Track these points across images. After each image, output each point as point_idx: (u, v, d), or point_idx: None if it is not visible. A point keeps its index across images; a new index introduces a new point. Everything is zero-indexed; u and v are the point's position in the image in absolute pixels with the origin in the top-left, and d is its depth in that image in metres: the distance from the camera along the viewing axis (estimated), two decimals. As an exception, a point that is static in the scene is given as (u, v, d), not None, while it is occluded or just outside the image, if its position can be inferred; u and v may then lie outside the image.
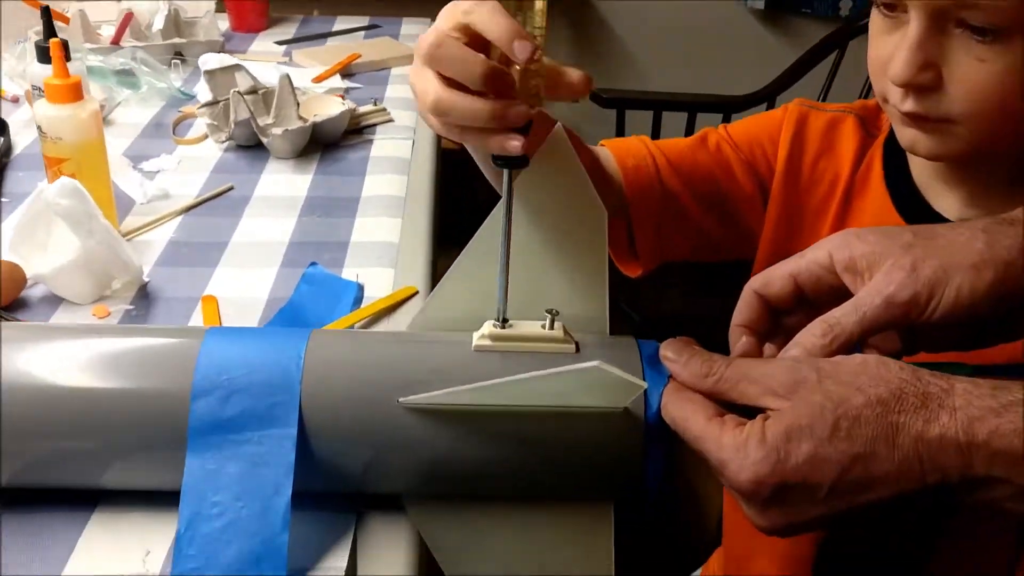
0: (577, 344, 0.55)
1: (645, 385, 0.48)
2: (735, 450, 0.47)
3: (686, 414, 0.50)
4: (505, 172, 0.53)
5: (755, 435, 0.47)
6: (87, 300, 0.74)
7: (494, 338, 0.54)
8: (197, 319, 0.74)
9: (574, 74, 0.54)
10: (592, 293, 0.59)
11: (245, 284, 0.78)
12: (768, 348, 0.56)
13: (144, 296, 0.76)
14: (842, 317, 0.52)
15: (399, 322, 0.74)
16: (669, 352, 0.53)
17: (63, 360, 0.53)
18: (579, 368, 0.49)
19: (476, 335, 0.54)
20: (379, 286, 0.79)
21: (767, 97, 1.74)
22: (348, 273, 0.80)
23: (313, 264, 0.81)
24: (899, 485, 0.46)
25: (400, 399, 0.52)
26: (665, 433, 0.52)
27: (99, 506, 0.54)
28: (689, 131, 1.60)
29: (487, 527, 0.54)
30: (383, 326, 0.73)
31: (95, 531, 0.53)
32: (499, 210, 0.54)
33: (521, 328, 0.54)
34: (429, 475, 0.53)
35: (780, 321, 0.57)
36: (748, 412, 0.50)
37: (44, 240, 0.73)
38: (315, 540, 0.53)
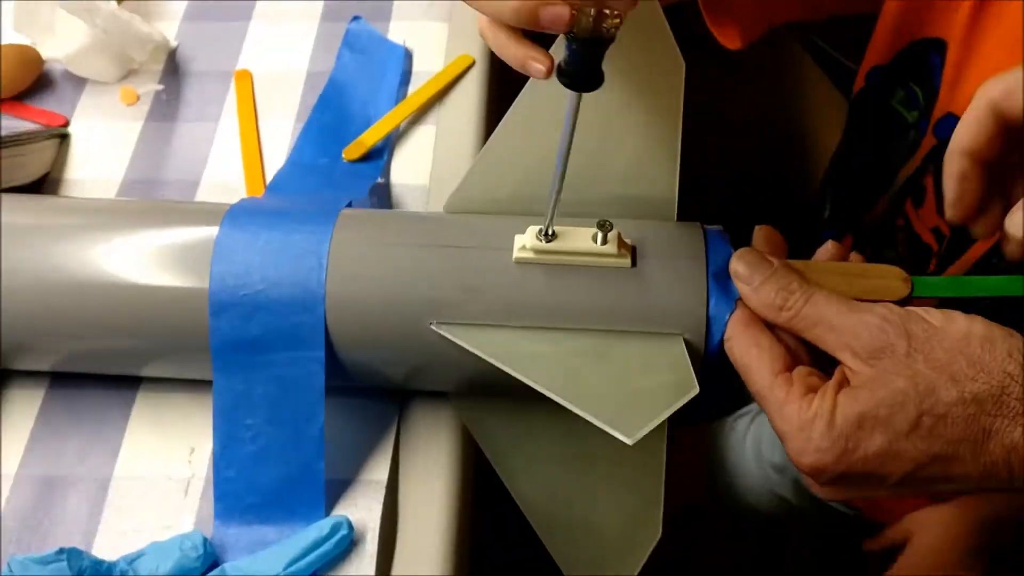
0: (634, 255, 0.47)
1: (695, 391, 0.42)
2: (799, 428, 0.42)
3: (750, 361, 0.45)
4: (570, 96, 0.42)
5: (824, 416, 0.41)
6: (113, 79, 0.67)
7: (537, 251, 0.47)
8: (231, 102, 0.66)
9: None
10: (662, 167, 0.50)
11: (282, 48, 0.69)
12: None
13: (174, 71, 0.68)
14: None
15: (457, 104, 0.65)
16: (740, 269, 0.46)
17: (71, 256, 0.49)
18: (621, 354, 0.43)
19: (516, 245, 0.47)
20: (430, 47, 0.68)
21: None
22: (395, 29, 0.70)
23: (356, 18, 0.70)
24: (980, 484, 0.41)
25: (432, 324, 0.47)
26: (728, 367, 0.47)
27: (142, 389, 0.54)
28: None
29: (538, 426, 0.51)
30: (436, 113, 0.65)
31: (140, 422, 0.53)
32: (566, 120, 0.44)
33: (569, 240, 0.47)
34: (472, 383, 0.50)
35: (1010, 163, 0.44)
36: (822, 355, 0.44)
37: (50, 21, 0.64)
38: (357, 440, 0.52)
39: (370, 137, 0.62)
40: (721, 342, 0.46)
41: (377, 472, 0.50)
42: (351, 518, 0.49)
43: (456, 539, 0.49)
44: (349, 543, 0.48)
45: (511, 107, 0.50)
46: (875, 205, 0.71)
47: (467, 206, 0.50)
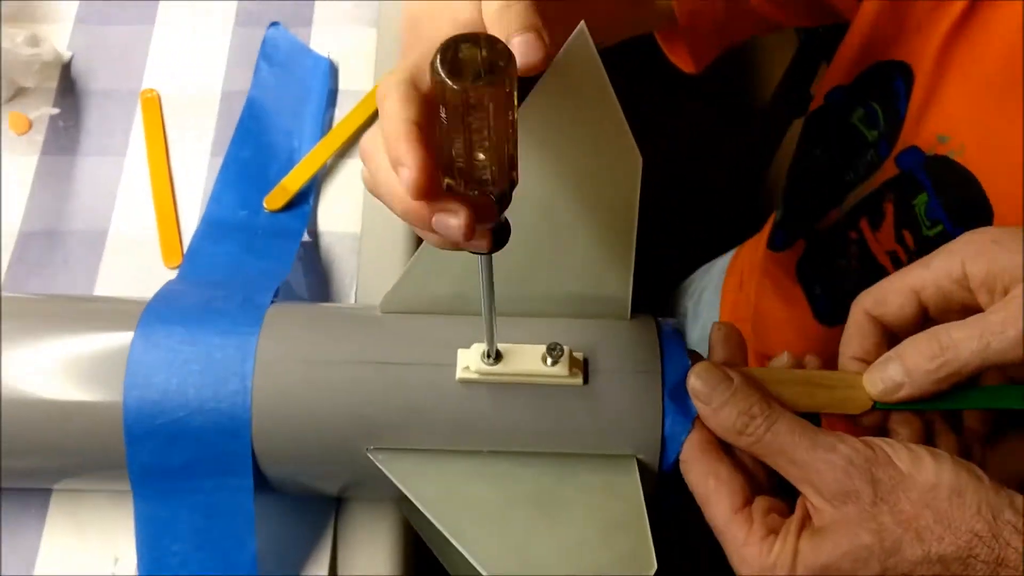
0: (586, 370, 0.44)
1: (652, 569, 0.39)
2: (758, 573, 0.40)
3: (707, 493, 0.42)
4: (481, 258, 0.37)
5: (785, 564, 0.40)
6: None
7: (482, 373, 0.43)
8: (138, 129, 0.60)
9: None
10: (616, 264, 0.46)
11: (192, 63, 0.62)
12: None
13: (70, 89, 0.61)
14: (960, 341, 0.41)
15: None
16: (699, 387, 0.43)
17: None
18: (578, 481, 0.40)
19: (460, 363, 0.44)
20: (357, 58, 0.62)
21: None
22: (317, 35, 0.63)
23: (274, 24, 0.63)
24: None
25: (368, 450, 0.44)
26: (682, 486, 0.45)
27: (56, 490, 0.50)
28: None
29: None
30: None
31: (57, 526, 0.49)
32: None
33: (515, 361, 0.43)
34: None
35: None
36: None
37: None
38: (293, 538, 0.49)
39: (293, 182, 0.57)
40: (677, 460, 0.44)
41: (316, 570, 0.48)
42: (290, 635, 0.47)
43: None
44: (289, 669, 0.46)
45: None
46: (827, 215, 0.69)
47: (405, 306, 0.46)
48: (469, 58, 0.31)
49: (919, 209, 0.59)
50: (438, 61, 0.31)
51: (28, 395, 0.44)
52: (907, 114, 0.58)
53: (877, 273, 0.63)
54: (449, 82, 0.30)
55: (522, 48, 0.35)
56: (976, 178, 0.54)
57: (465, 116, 0.31)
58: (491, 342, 0.42)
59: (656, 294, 1.02)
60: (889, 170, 0.61)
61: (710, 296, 0.94)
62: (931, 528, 0.38)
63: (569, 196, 0.44)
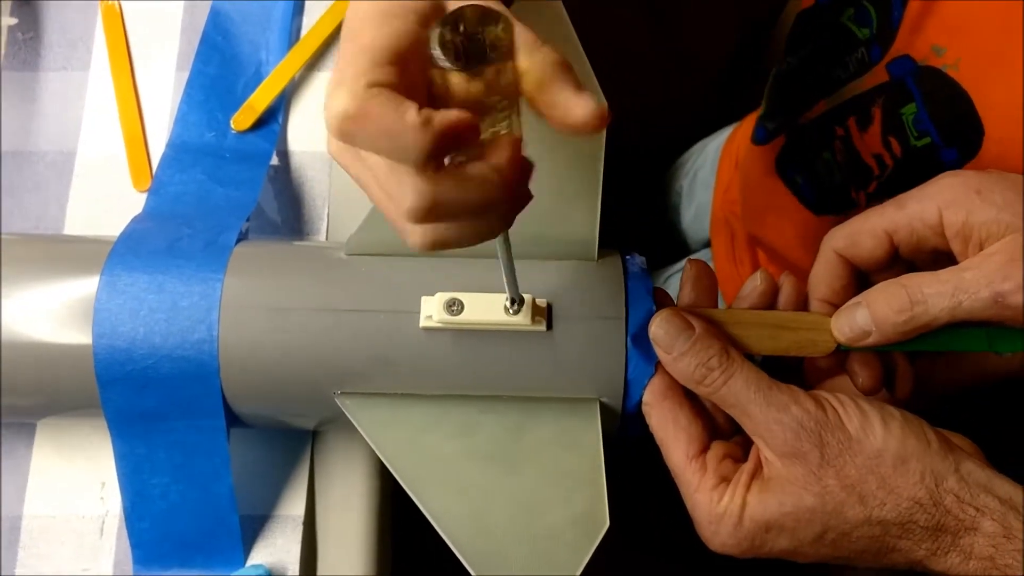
0: (549, 316, 0.44)
1: (605, 526, 0.40)
2: (707, 520, 0.42)
3: (666, 438, 0.44)
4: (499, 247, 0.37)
5: (732, 516, 0.41)
6: (-45, 11, 0.58)
7: (445, 323, 0.43)
8: (100, 40, 0.58)
9: (580, 108, 0.34)
10: (583, 206, 0.45)
11: (153, -35, 0.59)
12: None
13: (28, 1, 0.58)
14: (931, 296, 0.41)
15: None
16: (660, 336, 0.43)
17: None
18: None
19: (423, 312, 0.44)
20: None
21: None
22: (285, -66, 0.60)
23: (236, -78, 0.59)
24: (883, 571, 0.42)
25: (336, 394, 0.45)
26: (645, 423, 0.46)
27: (39, 426, 0.51)
28: None
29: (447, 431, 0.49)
30: (336, 56, 0.57)
31: (44, 453, 0.51)
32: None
33: (478, 311, 0.43)
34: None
35: (868, 284, 0.46)
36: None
37: None
38: (270, 472, 0.51)
39: (261, 100, 0.55)
40: (640, 402, 0.45)
41: (293, 506, 0.50)
42: (270, 560, 0.49)
43: (378, 574, 0.50)
44: (270, 592, 0.48)
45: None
46: (812, 108, 0.67)
47: (370, 248, 0.46)
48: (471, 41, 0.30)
49: (907, 119, 0.57)
50: (439, 52, 0.29)
51: (4, 338, 0.45)
52: (903, 21, 0.56)
53: (862, 170, 0.62)
54: (463, 79, 0.29)
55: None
56: (969, 95, 0.52)
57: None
58: (514, 289, 0.42)
59: (650, 173, 1.00)
60: (880, 75, 0.59)
61: (705, 175, 0.93)
62: (874, 493, 0.39)
63: (535, 140, 0.43)
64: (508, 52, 0.31)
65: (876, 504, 0.39)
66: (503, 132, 0.33)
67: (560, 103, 0.34)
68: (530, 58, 0.34)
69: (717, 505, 0.41)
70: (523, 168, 0.35)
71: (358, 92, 0.31)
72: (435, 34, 0.31)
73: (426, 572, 0.58)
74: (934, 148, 0.55)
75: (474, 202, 0.33)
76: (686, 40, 1.02)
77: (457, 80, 0.31)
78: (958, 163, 0.54)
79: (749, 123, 0.85)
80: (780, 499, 0.40)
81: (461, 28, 0.30)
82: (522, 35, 0.34)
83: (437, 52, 0.30)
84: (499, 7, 0.32)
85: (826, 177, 0.67)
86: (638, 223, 0.97)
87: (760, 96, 0.85)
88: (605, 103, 0.43)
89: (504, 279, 0.41)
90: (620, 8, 0.95)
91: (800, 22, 0.67)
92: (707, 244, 0.90)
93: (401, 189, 0.33)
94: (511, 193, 0.34)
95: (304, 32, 0.58)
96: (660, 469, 0.45)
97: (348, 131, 0.31)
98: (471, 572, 0.39)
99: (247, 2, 0.58)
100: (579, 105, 0.33)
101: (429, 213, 0.33)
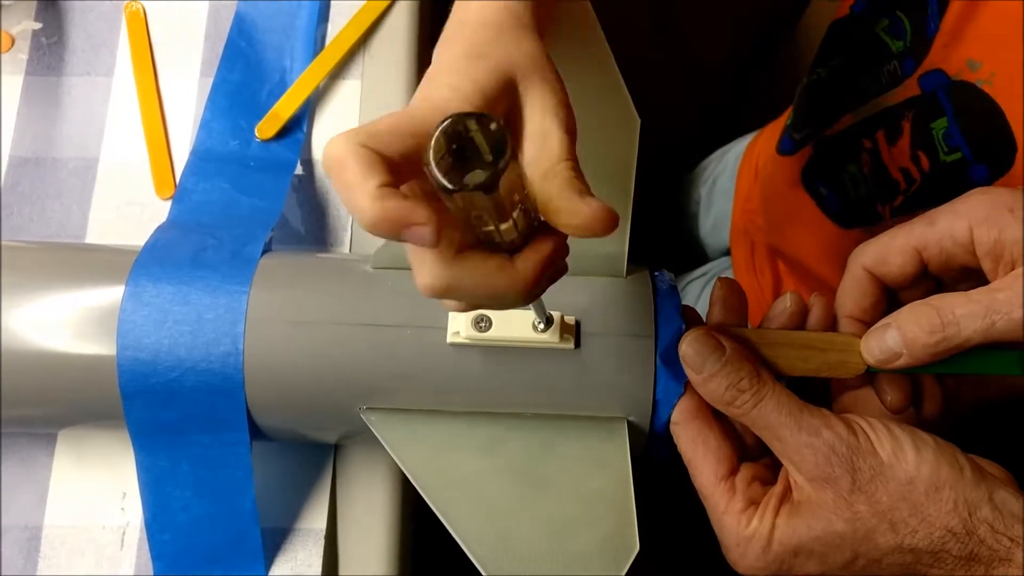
0: (577, 333, 0.44)
1: (634, 551, 0.40)
2: (736, 543, 0.42)
3: (695, 459, 0.43)
4: None
5: (761, 539, 0.41)
6: (-21, 15, 0.57)
7: (473, 339, 0.43)
8: (124, 47, 0.57)
9: (586, 210, 0.33)
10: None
11: (177, -29, 0.59)
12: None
13: (51, 3, 0.58)
14: (964, 318, 0.41)
15: (384, 50, 0.57)
16: (690, 355, 0.43)
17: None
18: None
19: (450, 328, 0.43)
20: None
21: None
22: (310, -59, 0.59)
23: (261, -72, 0.59)
24: None
25: (361, 409, 0.44)
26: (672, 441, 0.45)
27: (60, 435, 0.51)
28: None
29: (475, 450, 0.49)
30: (360, 64, 0.57)
31: (65, 462, 0.51)
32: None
33: (506, 328, 0.43)
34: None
35: (896, 300, 0.45)
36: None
37: None
38: (292, 486, 0.50)
39: (285, 108, 0.55)
40: (668, 422, 0.44)
41: (315, 520, 0.50)
42: (292, 573, 0.49)
43: (398, 588, 0.49)
44: (291, 607, 0.48)
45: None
46: (840, 120, 0.67)
47: (396, 261, 0.46)
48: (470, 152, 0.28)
49: (937, 133, 0.56)
50: (434, 166, 0.28)
51: (27, 348, 0.44)
52: (938, 34, 0.55)
53: (889, 184, 0.62)
54: (456, 192, 0.28)
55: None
56: (1002, 110, 0.52)
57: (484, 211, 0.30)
58: (541, 314, 0.42)
59: (669, 180, 1.00)
60: (911, 88, 0.58)
61: (724, 183, 0.92)
62: (906, 521, 0.38)
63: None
64: (507, 152, 0.29)
65: (908, 532, 0.39)
66: (534, 223, 0.33)
67: (564, 211, 0.33)
68: (533, 170, 0.34)
69: (746, 528, 0.41)
70: (553, 270, 0.34)
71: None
72: (432, 136, 0.28)
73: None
74: (964, 164, 0.55)
75: (486, 297, 0.33)
76: (692, 49, 1.02)
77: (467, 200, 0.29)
78: (988, 180, 0.54)
79: (770, 132, 0.85)
80: (810, 523, 0.40)
81: (452, 145, 0.28)
82: (529, 124, 0.34)
83: (437, 176, 0.28)
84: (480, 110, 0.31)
85: (852, 190, 0.66)
86: (655, 231, 0.97)
87: (775, 105, 0.84)
88: (635, 115, 0.42)
89: (532, 305, 0.40)
90: (623, 18, 0.94)
91: (832, 32, 0.66)
92: (726, 253, 0.90)
93: (418, 262, 0.33)
94: (528, 295, 0.34)
95: (329, 39, 0.57)
96: (686, 489, 0.45)
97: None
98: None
99: (272, 8, 0.57)
100: (582, 213, 0.33)
101: (442, 294, 0.33)
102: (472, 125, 0.28)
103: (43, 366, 0.45)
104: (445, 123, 0.28)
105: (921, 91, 0.57)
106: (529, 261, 0.33)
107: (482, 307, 0.36)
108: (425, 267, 0.32)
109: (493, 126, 0.28)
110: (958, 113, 0.54)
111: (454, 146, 0.28)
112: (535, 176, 0.34)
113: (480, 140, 0.28)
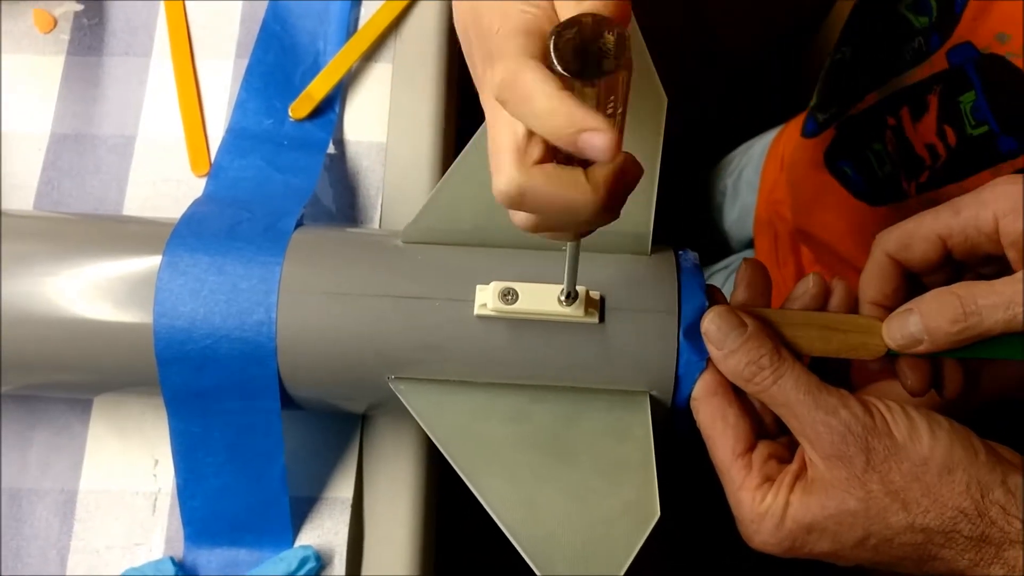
0: (602, 308, 0.45)
1: (655, 517, 0.41)
2: (750, 519, 0.42)
3: (714, 434, 0.44)
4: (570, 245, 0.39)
5: (774, 516, 0.41)
6: (23, -5, 0.59)
7: (499, 311, 0.44)
8: (161, 29, 0.59)
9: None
10: (639, 200, 0.46)
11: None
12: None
13: (92, -15, 0.60)
14: (986, 308, 0.41)
15: (415, 35, 0.58)
16: (712, 331, 0.44)
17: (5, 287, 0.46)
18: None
19: (477, 300, 0.44)
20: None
21: None
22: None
23: (296, -84, 0.60)
24: None
25: (389, 378, 0.45)
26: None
27: (96, 402, 0.53)
28: None
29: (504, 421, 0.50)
30: (392, 48, 0.58)
31: (100, 429, 0.52)
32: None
33: (532, 301, 0.44)
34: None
35: (919, 284, 0.46)
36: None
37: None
38: (320, 455, 0.51)
39: (319, 89, 0.56)
40: (689, 397, 0.45)
41: (342, 489, 0.51)
42: (318, 541, 0.50)
43: (423, 558, 0.50)
44: (317, 573, 0.49)
45: (478, 131, 0.45)
46: (864, 99, 0.67)
47: (426, 236, 0.47)
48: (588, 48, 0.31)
49: (965, 107, 0.57)
50: (556, 61, 0.31)
51: (67, 315, 0.46)
52: (966, 8, 0.56)
53: (914, 161, 0.62)
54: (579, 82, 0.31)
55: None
56: None
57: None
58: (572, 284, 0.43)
59: (694, 172, 1.00)
60: (938, 63, 0.59)
61: (750, 175, 0.93)
62: (918, 501, 0.39)
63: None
64: (623, 61, 0.31)
65: (920, 511, 0.39)
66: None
67: None
68: None
69: (760, 504, 0.42)
70: (627, 183, 0.35)
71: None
72: (551, 41, 0.31)
73: (470, 556, 0.58)
74: (991, 136, 0.55)
75: (561, 208, 0.33)
76: (720, 40, 1.02)
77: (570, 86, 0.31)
78: (1017, 152, 0.54)
79: (795, 124, 0.85)
80: (823, 501, 0.40)
81: (577, 35, 0.31)
82: None
83: (552, 59, 0.31)
84: (614, 17, 0.32)
85: (877, 168, 0.66)
86: (681, 221, 0.97)
87: (802, 99, 0.84)
88: (663, 94, 0.43)
89: (566, 274, 0.41)
90: (653, 9, 0.95)
91: (856, 12, 0.67)
92: (749, 244, 0.90)
93: (496, 167, 0.34)
94: (602, 209, 0.34)
95: (361, 23, 0.58)
96: (702, 464, 0.46)
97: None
98: (524, 557, 0.39)
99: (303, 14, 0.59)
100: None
101: (517, 202, 0.33)
102: (585, 20, 0.31)
103: (82, 333, 0.46)
104: (578, 26, 0.31)
105: (949, 65, 0.58)
106: (604, 170, 0.33)
107: (555, 225, 0.35)
108: (503, 172, 0.33)
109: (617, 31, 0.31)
110: (987, 86, 0.55)
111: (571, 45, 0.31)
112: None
113: (608, 40, 0.31)
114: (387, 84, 0.58)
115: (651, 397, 0.45)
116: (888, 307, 0.45)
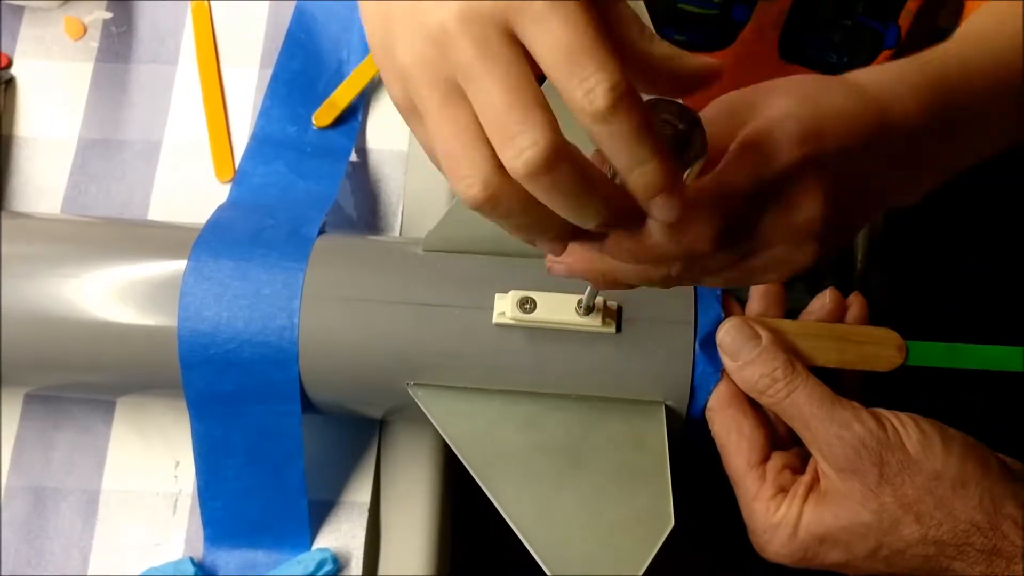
0: (619, 318, 0.45)
1: (670, 525, 0.41)
2: (763, 529, 0.43)
3: (728, 445, 0.44)
4: None
5: (788, 527, 0.42)
6: (52, 3, 0.60)
7: (517, 320, 0.45)
8: (188, 37, 0.60)
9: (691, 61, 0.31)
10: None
11: (241, -36, 0.61)
12: None
13: (121, -7, 0.61)
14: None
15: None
16: (727, 343, 0.44)
17: (35, 291, 0.47)
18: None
19: (496, 309, 0.45)
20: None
21: None
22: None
23: (323, -75, 0.61)
24: None
25: (408, 385, 0.46)
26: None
27: (118, 404, 0.53)
28: None
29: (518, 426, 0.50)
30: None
31: (122, 430, 0.53)
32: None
33: (550, 310, 0.44)
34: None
35: None
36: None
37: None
38: (338, 459, 0.52)
39: (342, 97, 0.57)
40: (704, 407, 0.46)
41: (359, 493, 0.51)
42: (335, 544, 0.50)
43: (438, 562, 0.51)
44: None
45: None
46: None
47: (446, 244, 0.47)
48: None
49: None
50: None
51: (93, 318, 0.47)
52: None
53: None
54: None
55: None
56: None
57: None
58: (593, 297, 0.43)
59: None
60: None
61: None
62: (931, 514, 0.39)
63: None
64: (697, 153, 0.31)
65: (933, 524, 0.40)
66: None
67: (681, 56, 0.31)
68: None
69: (774, 515, 0.42)
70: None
71: None
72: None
73: (485, 561, 0.59)
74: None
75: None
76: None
77: None
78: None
79: None
80: (836, 512, 0.41)
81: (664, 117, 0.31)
82: None
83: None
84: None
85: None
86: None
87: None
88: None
89: (588, 287, 0.42)
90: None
91: None
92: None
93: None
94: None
95: (385, 33, 0.59)
96: (716, 474, 0.46)
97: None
98: (539, 562, 0.40)
99: (331, 3, 0.60)
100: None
101: (484, 205, 0.30)
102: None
103: (107, 335, 0.47)
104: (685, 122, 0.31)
105: None
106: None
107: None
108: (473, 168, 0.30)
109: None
110: None
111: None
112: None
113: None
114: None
115: (666, 407, 0.46)
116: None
